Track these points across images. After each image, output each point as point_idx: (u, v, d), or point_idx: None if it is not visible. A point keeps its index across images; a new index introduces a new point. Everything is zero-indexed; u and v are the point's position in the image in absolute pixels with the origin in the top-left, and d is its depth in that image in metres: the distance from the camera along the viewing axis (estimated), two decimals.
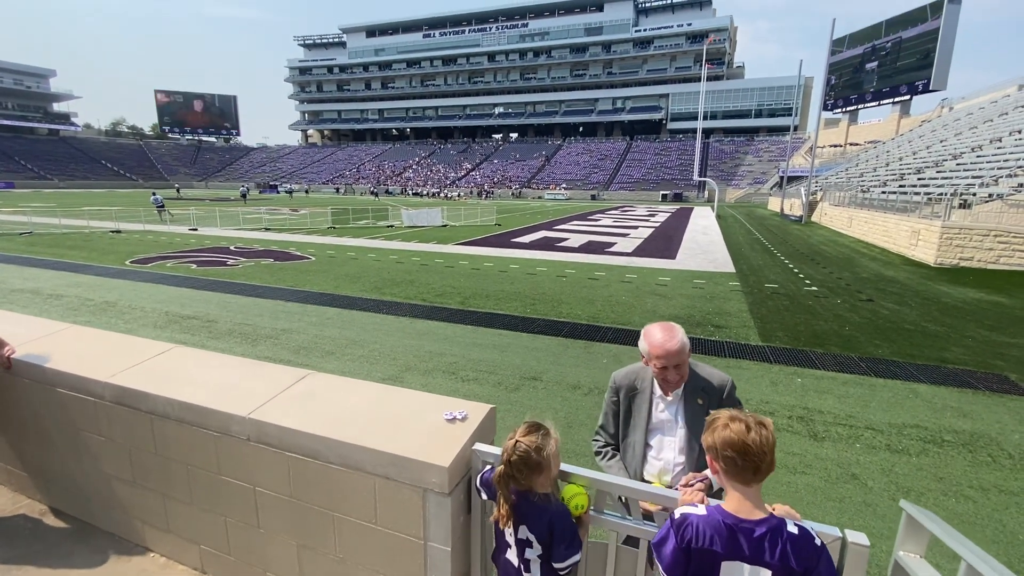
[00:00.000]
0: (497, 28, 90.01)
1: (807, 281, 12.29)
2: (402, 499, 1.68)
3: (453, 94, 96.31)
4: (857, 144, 56.05)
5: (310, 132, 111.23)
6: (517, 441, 1.54)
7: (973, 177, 19.15)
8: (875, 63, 54.16)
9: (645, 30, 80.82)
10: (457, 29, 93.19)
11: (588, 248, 17.86)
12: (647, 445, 1.93)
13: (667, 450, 1.89)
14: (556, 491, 1.60)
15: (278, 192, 67.97)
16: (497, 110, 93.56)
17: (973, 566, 1.18)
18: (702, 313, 9.23)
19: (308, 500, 1.86)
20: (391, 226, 24.59)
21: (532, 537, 1.52)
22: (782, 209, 37.32)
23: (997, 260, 14.14)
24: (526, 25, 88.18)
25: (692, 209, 43.90)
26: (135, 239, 18.74)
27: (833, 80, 59.57)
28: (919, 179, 23.35)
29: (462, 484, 1.71)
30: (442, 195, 64.28)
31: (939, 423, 5.03)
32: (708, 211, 40.10)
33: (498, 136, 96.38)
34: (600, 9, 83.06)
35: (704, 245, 19.24)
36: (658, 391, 1.93)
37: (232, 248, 16.73)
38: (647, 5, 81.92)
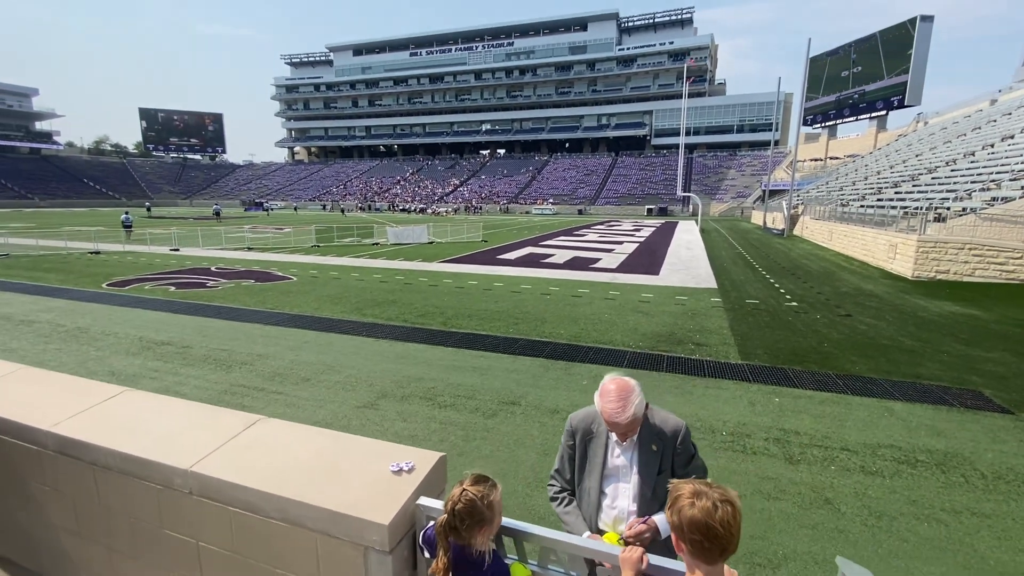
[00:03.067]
0: (483, 47, 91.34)
1: (787, 296, 12.43)
2: (343, 556, 1.63)
3: (440, 111, 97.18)
4: (837, 158, 57.34)
5: (297, 149, 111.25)
6: (464, 489, 1.50)
7: (948, 191, 19.63)
8: (852, 79, 55.65)
9: (628, 48, 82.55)
10: (444, 48, 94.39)
11: (573, 264, 17.93)
12: (602, 492, 1.90)
13: (621, 498, 1.86)
14: (497, 549, 1.56)
15: (263, 210, 67.54)
16: (484, 127, 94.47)
17: None
18: (683, 331, 9.26)
19: (251, 556, 1.80)
20: (376, 244, 24.52)
21: None
22: (764, 223, 37.90)
23: (972, 272, 14.43)
24: (512, 44, 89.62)
25: (677, 223, 44.40)
26: (114, 260, 18.46)
27: (811, 95, 61.10)
28: (896, 193, 23.88)
29: (406, 540, 1.67)
30: (429, 211, 64.35)
31: (913, 443, 5.06)
32: (692, 225, 40.59)
33: (485, 152, 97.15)
34: (584, 28, 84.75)
35: (687, 260, 19.42)
36: (614, 436, 1.91)
37: (213, 269, 16.54)
38: (630, 24, 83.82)
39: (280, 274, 15.52)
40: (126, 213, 29.24)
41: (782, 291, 13.11)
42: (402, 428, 5.31)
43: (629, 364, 7.38)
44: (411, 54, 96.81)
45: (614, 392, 1.77)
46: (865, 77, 53.69)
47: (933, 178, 23.16)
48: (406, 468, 1.79)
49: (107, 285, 13.41)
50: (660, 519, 1.72)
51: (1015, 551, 3.48)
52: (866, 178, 32.66)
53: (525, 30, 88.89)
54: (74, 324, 9.43)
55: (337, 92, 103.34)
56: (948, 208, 16.83)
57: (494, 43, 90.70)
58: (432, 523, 1.62)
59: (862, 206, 23.43)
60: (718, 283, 14.41)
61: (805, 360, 7.65)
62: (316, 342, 8.46)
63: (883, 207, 20.97)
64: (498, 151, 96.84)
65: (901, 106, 49.90)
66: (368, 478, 1.76)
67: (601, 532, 1.84)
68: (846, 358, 7.76)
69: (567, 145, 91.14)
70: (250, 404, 5.86)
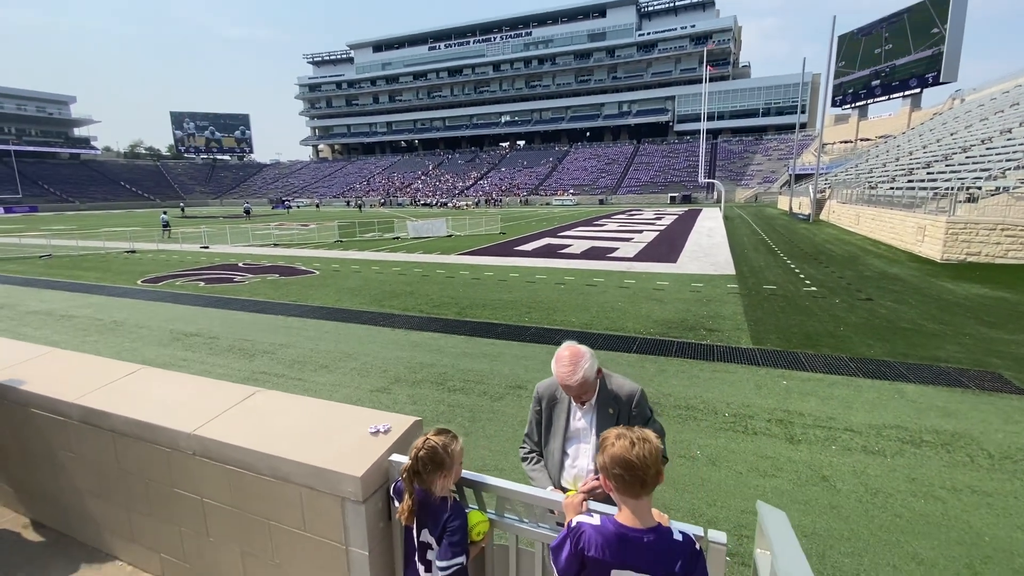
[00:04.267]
0: (501, 38, 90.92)
1: (807, 281, 12.22)
2: (324, 507, 1.81)
3: (459, 104, 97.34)
4: (868, 140, 55.32)
5: (321, 147, 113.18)
6: (428, 438, 1.65)
7: (981, 170, 18.83)
8: (883, 57, 53.49)
9: (648, 34, 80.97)
10: (462, 40, 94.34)
11: (590, 254, 17.92)
12: (564, 453, 2.03)
13: (582, 458, 1.99)
14: (457, 497, 1.71)
15: (289, 208, 69.12)
16: (503, 118, 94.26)
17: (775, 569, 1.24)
18: (696, 317, 9.24)
19: (247, 509, 2.00)
20: (397, 238, 24.92)
21: (432, 540, 1.64)
22: (790, 208, 36.96)
23: (1005, 254, 13.88)
24: (529, 34, 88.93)
25: (700, 211, 43.67)
26: (148, 259, 19.29)
27: (840, 75, 59.02)
28: (927, 173, 23.00)
29: (380, 493, 1.84)
30: (450, 205, 64.81)
31: (920, 423, 5.01)
32: (716, 212, 39.86)
33: (505, 144, 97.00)
34: (603, 15, 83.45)
35: (707, 248, 19.17)
36: (575, 401, 2.03)
37: (240, 265, 17.13)
38: (649, 9, 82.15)
39: (303, 268, 15.99)
40: (164, 213, 31.43)
41: (802, 276, 12.89)
42: (412, 410, 5.52)
43: (638, 350, 7.44)
44: (430, 48, 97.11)
45: (567, 358, 1.90)
46: (895, 53, 51.55)
47: (967, 157, 22.22)
48: (383, 430, 1.96)
49: (141, 281, 14.07)
50: None
51: (1013, 528, 3.46)
52: (897, 159, 31.49)
53: (543, 19, 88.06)
54: (111, 318, 9.98)
55: (358, 89, 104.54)
56: (980, 188, 16.17)
57: (512, 33, 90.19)
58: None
59: (891, 188, 22.65)
60: (737, 270, 14.23)
61: (818, 344, 7.57)
62: (335, 332, 8.77)
63: (913, 189, 20.25)
64: (517, 143, 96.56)
65: (936, 83, 47.72)
66: (349, 439, 1.93)
67: (565, 490, 1.97)
68: (862, 342, 7.65)
69: (587, 134, 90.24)
70: (270, 389, 6.16)
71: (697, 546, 1.38)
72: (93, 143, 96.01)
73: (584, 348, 1.94)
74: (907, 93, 51.72)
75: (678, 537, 1.37)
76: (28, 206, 67.83)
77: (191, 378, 2.63)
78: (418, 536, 1.67)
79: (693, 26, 77.71)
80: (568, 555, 1.40)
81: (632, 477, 1.36)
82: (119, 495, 2.41)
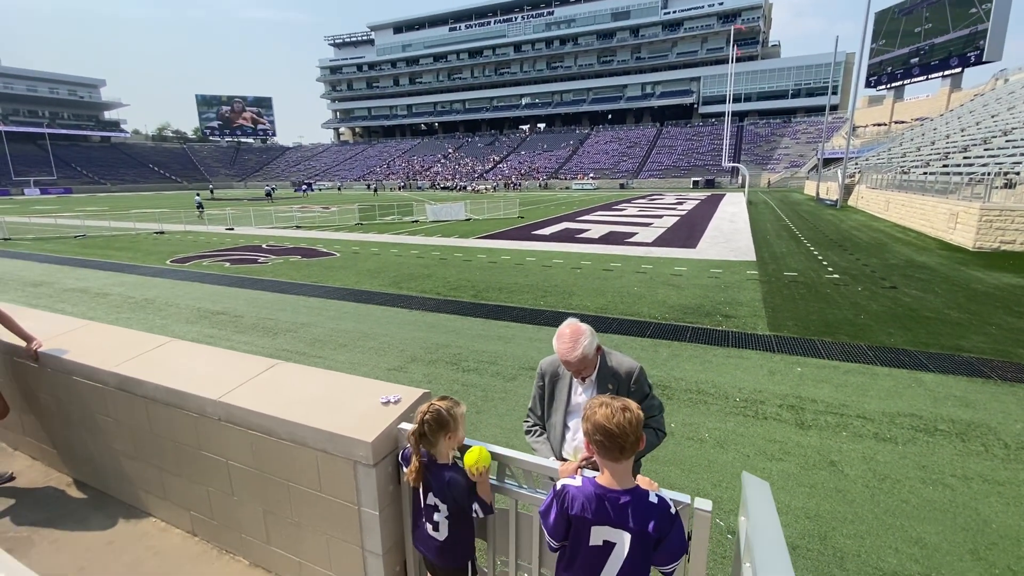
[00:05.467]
0: (522, 18, 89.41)
1: (830, 269, 11.99)
2: (338, 470, 1.94)
3: (480, 86, 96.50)
4: (903, 122, 53.19)
5: (342, 130, 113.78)
6: (432, 403, 1.76)
7: (1021, 154, 18.02)
8: (922, 33, 51.08)
9: (674, 12, 78.61)
10: (483, 21, 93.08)
11: (608, 239, 17.82)
12: (565, 426, 2.12)
13: (582, 431, 2.07)
14: (460, 462, 1.81)
15: (311, 190, 69.94)
16: (524, 101, 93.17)
17: (749, 536, 1.29)
18: (712, 303, 9.19)
19: (269, 471, 2.15)
20: (416, 221, 25.12)
21: (438, 501, 1.75)
22: (817, 193, 35.96)
23: None
24: (552, 13, 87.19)
25: (723, 196, 42.79)
26: (176, 239, 19.86)
27: (878, 54, 56.66)
28: (964, 158, 22.11)
29: (390, 458, 1.96)
30: (470, 188, 64.76)
31: (936, 412, 4.97)
32: (740, 197, 39.03)
33: (525, 127, 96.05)
34: None
35: (728, 233, 18.87)
36: (576, 377, 2.11)
37: (264, 246, 17.53)
38: None
39: (324, 250, 16.29)
40: (198, 195, 33.39)
41: (825, 263, 12.64)
42: (426, 388, 5.68)
43: (652, 335, 7.46)
44: (450, 29, 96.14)
45: (567, 335, 1.98)
46: (935, 32, 49.17)
47: (1007, 141, 21.25)
48: (393, 400, 2.07)
49: (170, 262, 14.54)
50: None
51: (1022, 517, 3.45)
52: (933, 143, 30.28)
53: None
54: (142, 296, 10.39)
55: (379, 71, 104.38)
56: (1019, 173, 15.51)
57: (534, 13, 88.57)
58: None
59: (924, 173, 21.86)
60: (757, 256, 14.02)
61: (837, 332, 7.48)
62: (354, 312, 8.98)
63: (947, 174, 19.51)
64: (538, 125, 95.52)
65: (979, 62, 45.44)
66: (362, 408, 2.06)
67: (565, 460, 2.06)
68: (882, 330, 7.53)
69: (609, 117, 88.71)
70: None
71: (672, 510, 1.46)
72: (123, 126, 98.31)
73: (584, 326, 2.01)
74: (947, 73, 49.39)
75: (653, 500, 1.46)
76: (63, 188, 70.16)
77: (216, 350, 2.79)
78: (424, 499, 1.79)
79: (721, 3, 75.13)
80: (556, 515, 1.50)
81: (611, 443, 1.44)
82: (151, 457, 2.60)
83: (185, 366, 2.58)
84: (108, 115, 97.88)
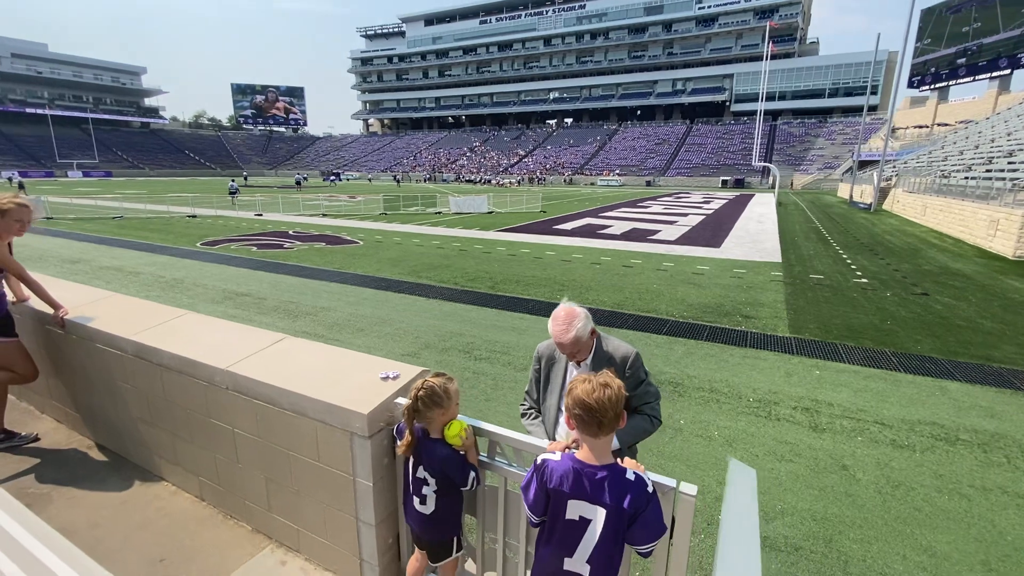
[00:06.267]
0: (553, 11, 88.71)
1: (858, 273, 11.64)
2: (335, 440, 1.99)
3: (508, 80, 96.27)
4: (946, 124, 50.99)
5: (371, 121, 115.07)
6: (426, 380, 1.79)
7: None
8: (970, 33, 48.80)
9: (709, 7, 76.88)
10: (513, 14, 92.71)
11: (630, 236, 17.64)
12: (559, 410, 2.12)
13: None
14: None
15: (339, 180, 70.99)
16: (552, 95, 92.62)
17: (722, 520, 1.27)
18: (733, 303, 9.03)
19: (271, 440, 2.22)
20: (439, 213, 25.29)
21: (427, 475, 1.79)
22: (851, 196, 34.84)
23: None
24: (583, 7, 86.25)
25: (752, 196, 41.86)
26: (207, 223, 20.45)
27: (923, 53, 54.40)
28: (1009, 163, 21.11)
29: (386, 431, 2.00)
30: (494, 182, 64.84)
31: (959, 422, 4.80)
32: (769, 198, 38.12)
33: (552, 122, 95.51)
34: None
35: (755, 234, 18.47)
36: (585, 370, 2.11)
37: (291, 232, 17.91)
38: None
39: (348, 238, 16.56)
40: (232, 181, 34.03)
41: (853, 267, 12.27)
42: (459, 385, 5.74)
43: (669, 332, 7.37)
44: (481, 22, 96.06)
45: (562, 317, 1.98)
46: (983, 32, 46.92)
47: None
48: (392, 376, 2.12)
49: (200, 244, 14.99)
50: None
51: None
52: (977, 146, 28.98)
53: None
54: (172, 276, 10.74)
55: (409, 63, 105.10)
56: None
57: (565, 7, 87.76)
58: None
59: (966, 177, 20.96)
60: (783, 257, 13.70)
61: (860, 337, 7.27)
62: (373, 299, 9.13)
63: (990, 179, 18.67)
64: (565, 120, 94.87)
65: None
66: (361, 381, 2.10)
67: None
68: (909, 337, 7.29)
69: (638, 113, 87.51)
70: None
71: (650, 488, 1.46)
72: (161, 113, 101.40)
73: (580, 308, 2.01)
74: (995, 74, 47.08)
75: (631, 476, 1.46)
76: (103, 171, 72.84)
77: (229, 323, 2.88)
78: (414, 472, 1.82)
79: None
80: (535, 490, 1.52)
81: (590, 418, 1.45)
82: (165, 422, 2.71)
83: (198, 336, 2.68)
84: (148, 102, 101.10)
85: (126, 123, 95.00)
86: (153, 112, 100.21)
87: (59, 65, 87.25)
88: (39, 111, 79.19)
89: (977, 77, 49.02)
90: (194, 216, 22.93)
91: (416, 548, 1.98)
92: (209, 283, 10.16)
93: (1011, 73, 46.23)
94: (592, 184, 64.49)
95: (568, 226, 20.27)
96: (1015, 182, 15.92)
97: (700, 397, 5.25)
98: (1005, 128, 30.03)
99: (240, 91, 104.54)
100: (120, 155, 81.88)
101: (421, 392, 1.75)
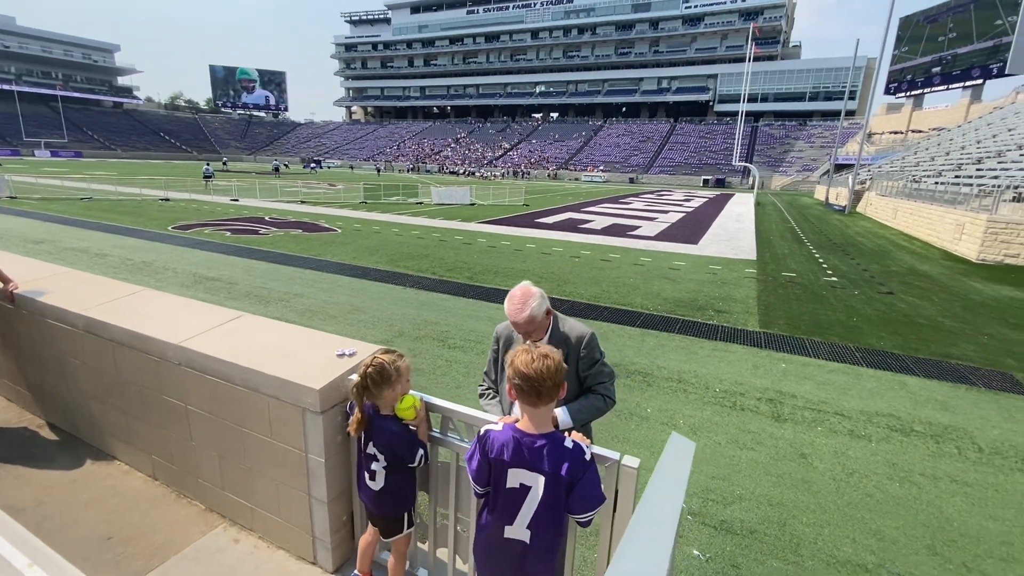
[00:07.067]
0: (542, 4, 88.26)
1: (829, 272, 11.92)
2: (288, 416, 1.96)
3: (494, 72, 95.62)
4: (920, 131, 52.42)
5: (354, 109, 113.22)
6: (376, 355, 1.77)
7: None
8: (946, 42, 50.14)
9: (696, 6, 77.40)
10: (501, 5, 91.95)
11: (611, 231, 17.76)
12: None
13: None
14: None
15: (320, 167, 69.74)
16: (538, 89, 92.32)
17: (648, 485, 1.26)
18: (707, 298, 9.17)
19: (224, 417, 2.18)
20: (420, 203, 25.09)
21: (376, 451, 1.78)
22: (827, 198, 35.62)
23: None
24: (571, 1, 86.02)
25: (732, 195, 42.50)
26: (181, 207, 19.93)
27: (900, 61, 55.75)
28: (977, 170, 21.81)
29: (339, 407, 1.98)
30: (478, 175, 64.53)
31: (915, 414, 4.96)
32: (748, 198, 38.74)
33: (538, 116, 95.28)
34: None
35: (732, 232, 18.77)
36: (528, 343, 2.12)
37: (266, 219, 17.57)
38: None
39: (326, 226, 16.31)
40: (207, 165, 32.44)
41: (825, 266, 12.57)
42: (410, 363, 5.70)
43: (642, 325, 7.45)
44: (468, 12, 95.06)
45: (517, 296, 1.99)
46: (958, 41, 48.29)
47: (1021, 155, 20.94)
48: (348, 353, 2.09)
49: (172, 228, 14.60)
50: (560, 411, 1.94)
51: (985, 517, 3.46)
52: (948, 153, 29.87)
53: None
54: (140, 259, 10.45)
55: (394, 51, 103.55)
56: None
57: (553, 0, 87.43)
58: None
59: (936, 183, 21.60)
60: (758, 255, 13.95)
61: (827, 332, 7.46)
62: (349, 287, 9.02)
63: (958, 184, 19.27)
64: (551, 115, 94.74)
65: (1001, 74, 44.54)
66: (316, 358, 2.08)
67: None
68: (873, 333, 7.50)
69: (623, 110, 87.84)
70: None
71: (587, 456, 1.48)
72: (136, 93, 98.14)
73: (536, 289, 2.02)
74: (968, 83, 48.49)
75: (568, 445, 1.47)
76: (73, 151, 70.27)
77: (186, 300, 2.82)
78: (364, 448, 1.81)
79: (744, 0, 73.94)
80: (478, 460, 1.53)
81: (529, 388, 1.46)
82: (117, 400, 2.64)
83: (153, 312, 2.61)
84: (122, 81, 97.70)
85: (98, 102, 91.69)
86: (127, 92, 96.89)
87: (27, 40, 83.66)
88: (5, 87, 75.91)
89: (951, 86, 50.45)
90: (167, 199, 22.32)
91: (370, 524, 1.98)
92: (179, 267, 9.92)
93: (983, 83, 47.68)
94: (576, 180, 64.64)
95: (550, 219, 20.30)
96: (981, 188, 16.46)
97: (668, 387, 5.33)
98: (975, 136, 31.00)
99: (219, 73, 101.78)
100: (91, 135, 79.08)
101: (370, 369, 1.73)
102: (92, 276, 3.29)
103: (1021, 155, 20.72)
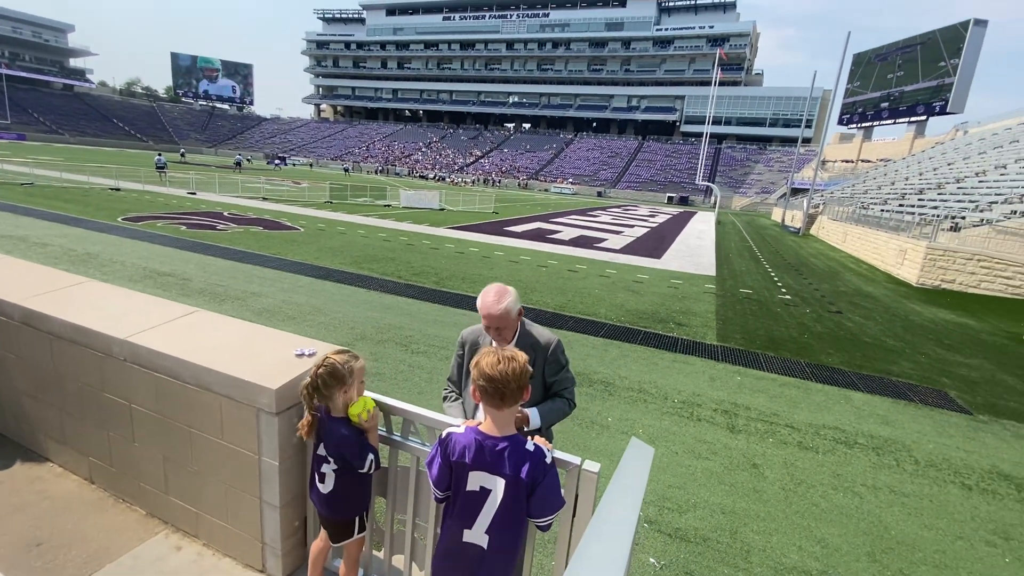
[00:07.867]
0: (517, 16, 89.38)
1: (783, 290, 12.43)
2: (241, 417, 1.89)
3: (469, 79, 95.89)
4: (869, 161, 55.69)
5: (323, 107, 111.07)
6: (328, 356, 1.72)
7: (970, 201, 19.14)
8: (894, 80, 53.64)
9: (666, 29, 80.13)
10: (477, 14, 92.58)
11: (578, 242, 17.99)
12: None
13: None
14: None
15: (285, 164, 67.87)
16: (512, 99, 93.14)
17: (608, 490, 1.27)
18: (668, 311, 9.39)
19: (171, 416, 2.07)
20: (388, 205, 24.76)
21: (326, 453, 1.73)
22: (783, 220, 37.27)
23: (978, 285, 14.21)
24: (547, 15, 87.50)
25: (695, 213, 43.86)
26: (132, 198, 18.98)
27: (853, 95, 59.21)
28: (919, 200, 23.32)
29: (295, 409, 1.92)
30: (448, 180, 64.29)
31: (858, 427, 5.21)
32: (710, 216, 40.08)
33: (510, 125, 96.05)
34: (623, 5, 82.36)
35: (694, 248, 19.35)
36: (495, 346, 2.12)
37: (225, 214, 16.94)
38: (670, 4, 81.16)
39: (289, 224, 15.87)
40: (159, 155, 29.86)
41: (779, 284, 13.10)
42: (371, 367, 5.59)
43: (606, 335, 7.56)
44: (444, 18, 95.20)
45: (494, 290, 2.01)
46: (906, 80, 51.83)
47: (959, 187, 22.54)
48: (308, 353, 2.03)
49: (122, 219, 13.87)
50: (531, 412, 1.96)
51: (921, 527, 3.66)
52: (893, 183, 31.84)
53: (562, 1, 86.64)
54: (85, 250, 9.87)
55: (367, 52, 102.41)
56: (964, 219, 16.46)
57: (529, 12, 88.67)
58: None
59: (882, 210, 22.95)
60: (717, 272, 14.42)
61: (780, 348, 7.76)
62: (309, 287, 8.78)
63: (902, 213, 20.55)
64: (523, 125, 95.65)
65: (943, 112, 48.04)
66: (273, 358, 2.01)
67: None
68: (823, 350, 7.85)
69: (594, 125, 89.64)
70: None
71: (548, 459, 1.49)
72: (89, 76, 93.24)
73: (511, 288, 2.04)
74: (913, 119, 52.03)
75: (530, 447, 1.48)
76: (16, 133, 65.98)
77: (136, 294, 2.67)
78: (315, 450, 1.76)
79: (712, 27, 77.04)
80: (440, 464, 1.51)
81: (494, 390, 1.47)
82: (54, 397, 2.47)
83: (99, 305, 2.46)
84: (74, 62, 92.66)
85: (46, 83, 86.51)
86: (79, 74, 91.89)
87: None
88: None
89: (897, 120, 53.96)
90: (118, 189, 21.23)
91: (322, 529, 1.91)
92: (128, 260, 9.42)
93: (927, 119, 51.20)
94: (546, 190, 65.32)
95: (519, 228, 20.41)
96: (923, 217, 17.59)
97: (629, 397, 5.41)
98: (918, 168, 33.16)
99: (182, 61, 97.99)
100: (36, 117, 74.49)
101: (321, 370, 1.69)
102: (32, 264, 3.08)
103: (958, 188, 22.28)
